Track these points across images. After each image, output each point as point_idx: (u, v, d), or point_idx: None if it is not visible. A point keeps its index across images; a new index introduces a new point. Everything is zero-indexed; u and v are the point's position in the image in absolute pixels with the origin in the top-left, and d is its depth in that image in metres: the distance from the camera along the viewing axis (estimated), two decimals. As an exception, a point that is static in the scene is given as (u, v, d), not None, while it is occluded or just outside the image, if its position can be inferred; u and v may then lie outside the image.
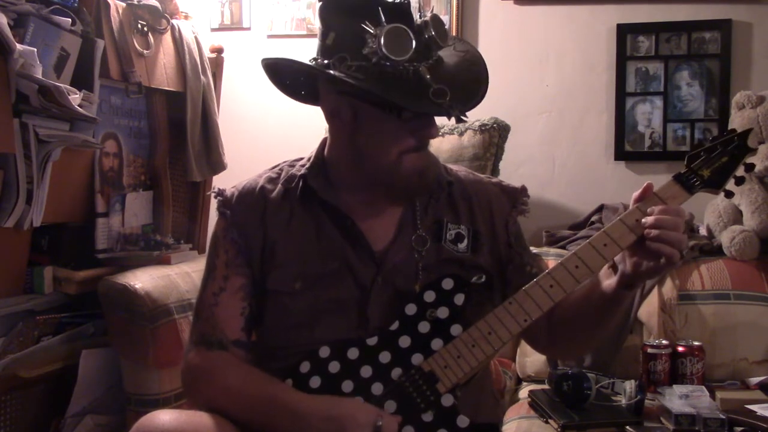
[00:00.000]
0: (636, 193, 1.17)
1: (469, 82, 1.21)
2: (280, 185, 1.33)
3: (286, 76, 1.33)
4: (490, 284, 1.30)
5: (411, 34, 1.15)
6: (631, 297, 1.23)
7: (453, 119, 1.13)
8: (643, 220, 1.13)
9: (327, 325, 1.24)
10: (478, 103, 1.19)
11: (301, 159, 1.37)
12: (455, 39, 1.28)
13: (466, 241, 1.30)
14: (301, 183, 1.31)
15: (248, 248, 1.29)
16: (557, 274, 1.17)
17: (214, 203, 1.38)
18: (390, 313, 1.22)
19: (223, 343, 1.26)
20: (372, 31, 1.14)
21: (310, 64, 1.22)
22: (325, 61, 1.19)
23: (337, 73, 1.15)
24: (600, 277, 1.20)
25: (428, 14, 1.20)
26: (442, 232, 1.29)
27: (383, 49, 1.13)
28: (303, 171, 1.32)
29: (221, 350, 1.25)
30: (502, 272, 1.33)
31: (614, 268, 1.18)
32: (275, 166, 1.38)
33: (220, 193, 1.35)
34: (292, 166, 1.36)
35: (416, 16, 1.19)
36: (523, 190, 1.38)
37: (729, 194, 1.21)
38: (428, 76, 1.15)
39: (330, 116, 1.26)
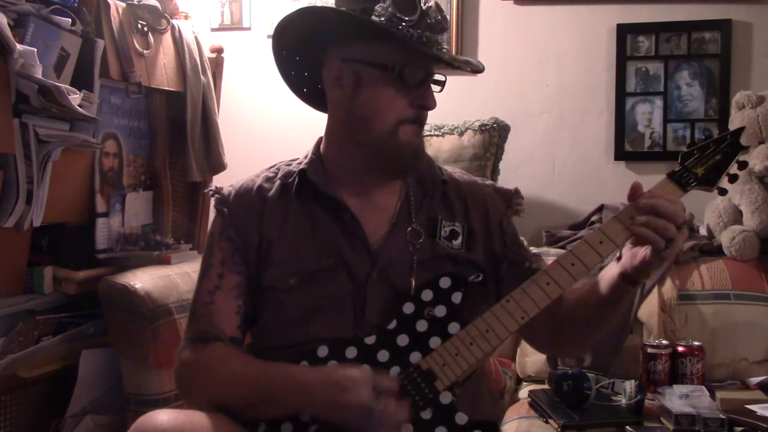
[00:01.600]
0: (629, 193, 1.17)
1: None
2: (277, 181, 1.34)
3: (291, 64, 1.35)
4: (485, 282, 1.30)
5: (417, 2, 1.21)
6: (632, 294, 1.23)
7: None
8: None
9: (323, 323, 1.24)
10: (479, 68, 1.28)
11: (297, 159, 1.38)
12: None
13: (460, 238, 1.31)
14: (297, 178, 1.32)
15: (245, 246, 1.29)
16: (554, 272, 1.17)
17: (212, 202, 1.38)
18: (387, 312, 1.22)
19: (221, 338, 1.26)
20: None
21: (344, 10, 1.24)
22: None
23: (374, 18, 1.20)
24: (605, 271, 1.20)
25: (432, 3, 1.23)
26: (437, 229, 1.30)
27: (392, 8, 1.18)
28: (301, 167, 1.33)
29: (218, 342, 1.25)
30: (495, 270, 1.34)
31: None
32: (272, 166, 1.39)
33: (218, 191, 1.36)
34: (288, 165, 1.37)
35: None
36: (516, 192, 1.39)
37: (722, 192, 1.22)
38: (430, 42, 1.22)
39: (332, 84, 1.28)
